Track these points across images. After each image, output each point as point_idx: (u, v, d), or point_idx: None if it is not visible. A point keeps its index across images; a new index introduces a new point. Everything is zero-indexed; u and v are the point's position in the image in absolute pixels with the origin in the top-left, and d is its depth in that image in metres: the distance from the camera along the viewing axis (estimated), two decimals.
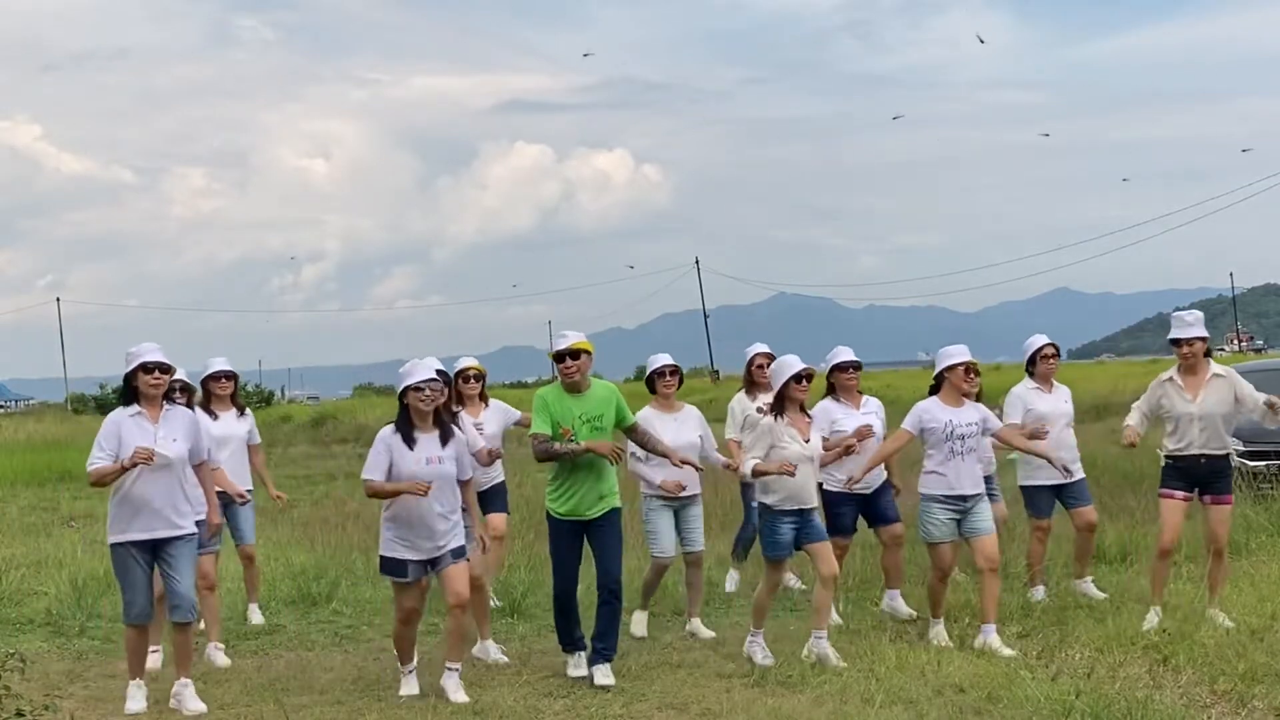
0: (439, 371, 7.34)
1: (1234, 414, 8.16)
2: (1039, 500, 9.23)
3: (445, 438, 7.14)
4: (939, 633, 8.03)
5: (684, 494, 8.40)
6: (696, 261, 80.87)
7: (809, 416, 7.78)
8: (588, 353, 7.47)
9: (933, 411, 7.98)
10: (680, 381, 8.72)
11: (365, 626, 9.23)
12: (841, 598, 9.28)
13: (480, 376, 9.31)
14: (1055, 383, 9.28)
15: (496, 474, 9.28)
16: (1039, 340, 9.33)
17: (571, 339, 7.49)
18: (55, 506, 18.03)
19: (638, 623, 8.63)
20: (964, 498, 7.93)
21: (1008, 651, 7.59)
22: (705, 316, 77.29)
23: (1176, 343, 8.19)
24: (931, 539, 8.01)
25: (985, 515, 8.02)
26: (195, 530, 7.11)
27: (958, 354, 8.05)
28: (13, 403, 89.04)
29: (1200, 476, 8.13)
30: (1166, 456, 8.22)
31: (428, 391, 7.06)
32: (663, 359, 8.70)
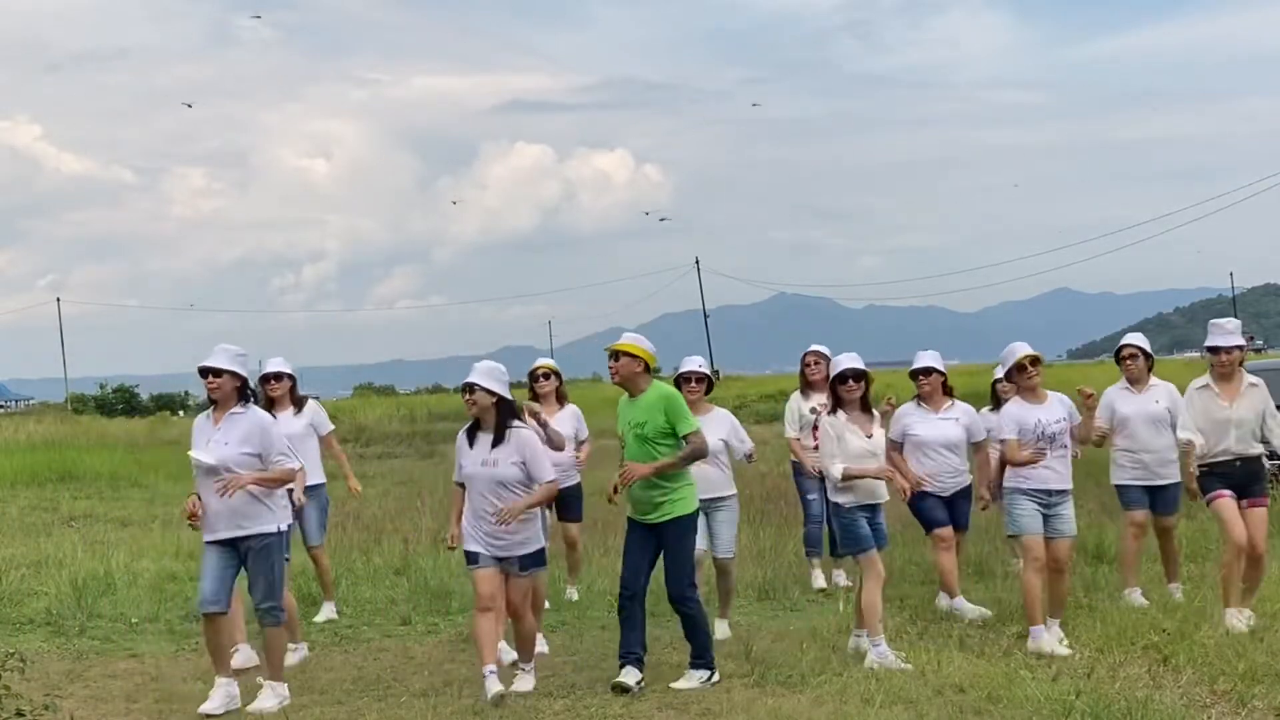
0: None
1: (1261, 420, 8.15)
2: (1127, 495, 8.98)
3: (499, 439, 7.10)
4: (1055, 635, 7.81)
5: (710, 495, 8.14)
6: (696, 261, 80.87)
7: (872, 414, 7.74)
8: (630, 354, 7.30)
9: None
10: (709, 388, 8.48)
11: (365, 626, 9.23)
12: (842, 597, 9.29)
13: (551, 375, 9.48)
14: (1154, 383, 8.99)
15: (568, 477, 9.20)
16: (1123, 341, 9.16)
17: (620, 341, 7.41)
18: (55, 506, 18.04)
19: (719, 628, 8.40)
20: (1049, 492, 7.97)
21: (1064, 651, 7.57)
22: (705, 316, 77.23)
23: (1215, 350, 8.19)
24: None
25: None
26: (272, 532, 7.01)
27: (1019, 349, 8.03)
28: (13, 403, 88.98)
29: (1237, 479, 8.13)
30: (1201, 464, 8.14)
31: (466, 396, 7.19)
32: (689, 364, 8.48)
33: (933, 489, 8.75)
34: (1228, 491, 8.11)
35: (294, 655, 7.92)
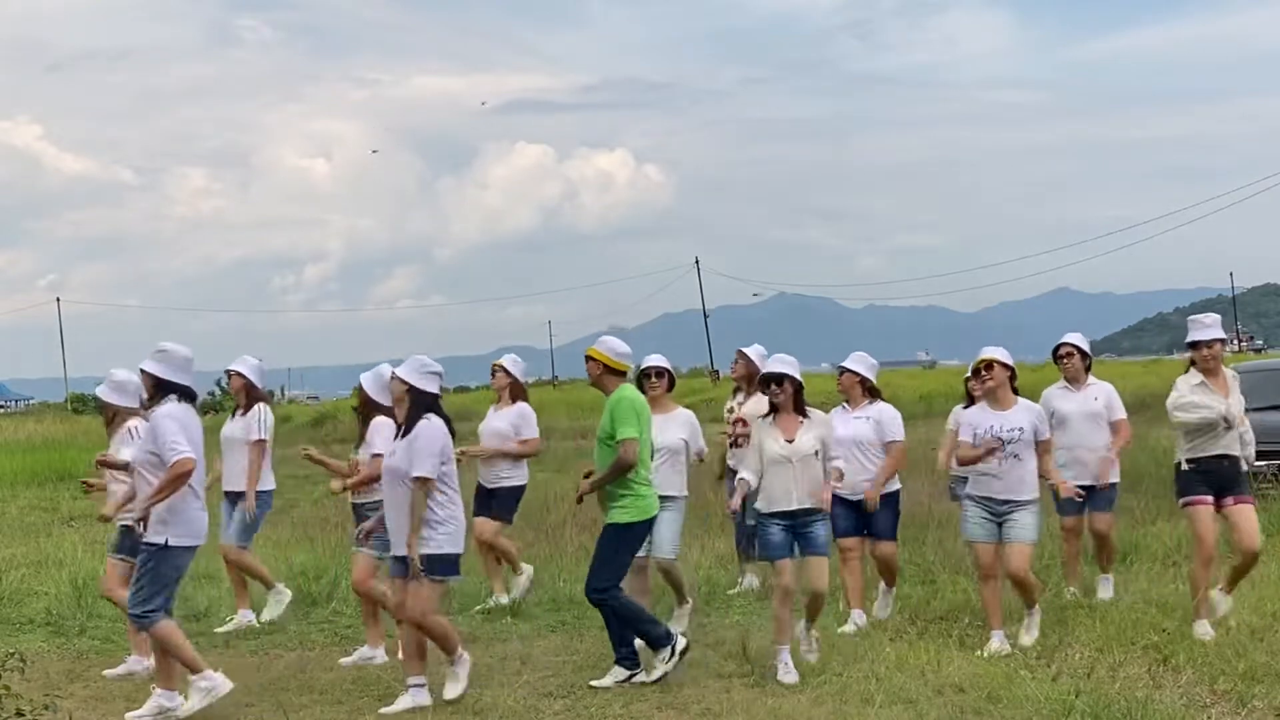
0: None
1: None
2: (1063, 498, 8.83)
3: (406, 432, 7.08)
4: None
5: (659, 493, 7.87)
6: (696, 261, 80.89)
7: (803, 416, 7.54)
8: (591, 359, 7.48)
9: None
10: (670, 384, 8.56)
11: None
12: (841, 599, 9.29)
13: (499, 371, 9.74)
14: (1092, 381, 9.10)
15: (500, 476, 9.56)
16: (1061, 340, 9.29)
17: (593, 345, 7.56)
18: (55, 506, 18.04)
19: (678, 617, 8.53)
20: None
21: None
22: (705, 316, 77.20)
23: (1196, 345, 8.04)
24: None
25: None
26: (155, 543, 6.76)
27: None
28: (13, 403, 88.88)
29: (1225, 479, 7.92)
30: (1189, 461, 7.94)
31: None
32: (650, 360, 8.53)
33: (845, 492, 8.34)
34: (1209, 497, 7.90)
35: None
